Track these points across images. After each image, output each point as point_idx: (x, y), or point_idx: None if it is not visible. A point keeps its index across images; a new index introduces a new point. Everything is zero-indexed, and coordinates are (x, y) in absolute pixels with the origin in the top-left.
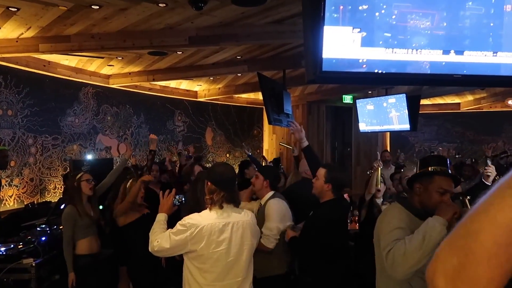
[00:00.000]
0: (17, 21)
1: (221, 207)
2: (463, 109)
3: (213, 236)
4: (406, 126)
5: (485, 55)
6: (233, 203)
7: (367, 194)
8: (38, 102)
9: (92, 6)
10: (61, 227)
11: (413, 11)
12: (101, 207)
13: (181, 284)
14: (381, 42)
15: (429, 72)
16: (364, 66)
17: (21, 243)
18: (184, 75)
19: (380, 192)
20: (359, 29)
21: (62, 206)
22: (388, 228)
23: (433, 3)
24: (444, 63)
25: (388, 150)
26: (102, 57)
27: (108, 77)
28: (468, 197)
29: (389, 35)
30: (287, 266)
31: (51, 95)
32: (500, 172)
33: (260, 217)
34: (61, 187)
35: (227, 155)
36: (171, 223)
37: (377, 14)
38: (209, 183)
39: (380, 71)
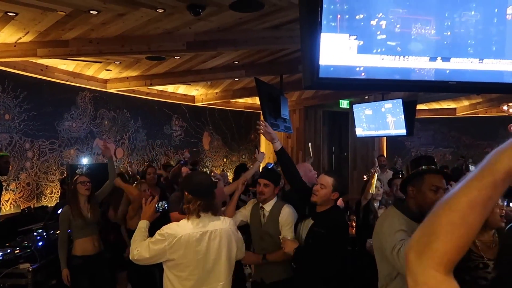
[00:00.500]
0: (15, 26)
1: (198, 216)
2: (459, 114)
3: (191, 246)
4: (403, 131)
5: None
6: (211, 211)
7: (363, 199)
8: (35, 106)
9: (91, 12)
10: (58, 232)
11: (410, 17)
12: None
13: None
14: (377, 49)
15: (425, 79)
16: (362, 73)
17: (17, 248)
18: (182, 80)
19: (379, 195)
20: (355, 36)
21: (60, 211)
22: (391, 230)
23: (429, 9)
24: (440, 70)
25: (385, 154)
26: (100, 62)
27: (105, 81)
28: None
29: (385, 42)
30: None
31: (49, 100)
32: None
33: (270, 222)
34: (57, 192)
35: (224, 160)
36: None
37: (373, 21)
38: (185, 192)
39: (376, 78)
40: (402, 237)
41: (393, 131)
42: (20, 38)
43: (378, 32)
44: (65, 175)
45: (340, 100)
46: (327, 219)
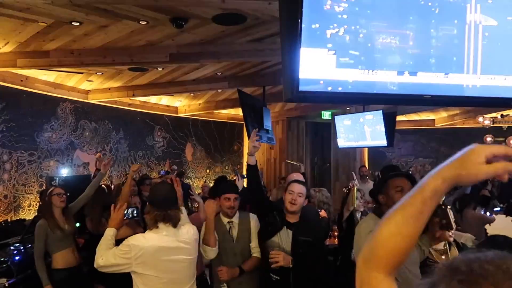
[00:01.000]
0: None
1: (156, 227)
2: (438, 125)
3: (156, 256)
4: (383, 142)
5: (456, 77)
6: (170, 222)
7: (345, 210)
8: (14, 117)
9: (73, 23)
10: None
11: (385, 31)
12: (77, 224)
13: None
14: (354, 64)
15: (399, 92)
16: (339, 87)
17: None
18: (165, 91)
19: (360, 206)
20: (334, 51)
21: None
22: (366, 230)
23: (403, 23)
24: (412, 83)
25: (366, 165)
26: (82, 73)
27: (87, 92)
28: (449, 206)
29: (361, 57)
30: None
31: (28, 110)
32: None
33: (242, 233)
34: (36, 205)
35: (207, 171)
36: None
37: (349, 36)
38: (147, 203)
39: (354, 92)
40: None
41: (374, 142)
42: (0, 48)
43: (353, 48)
44: (44, 187)
45: (322, 112)
46: (308, 227)
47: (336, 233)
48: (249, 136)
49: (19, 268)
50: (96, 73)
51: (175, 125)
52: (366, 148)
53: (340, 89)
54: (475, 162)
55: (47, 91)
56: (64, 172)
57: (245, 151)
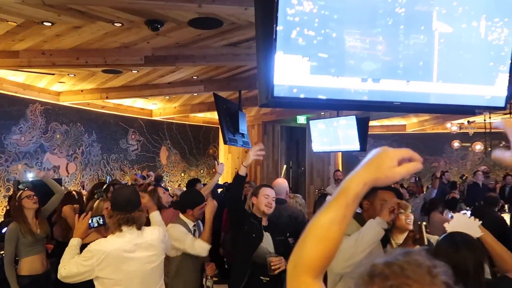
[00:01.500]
0: None
1: (120, 230)
2: (409, 130)
3: (119, 260)
4: (356, 146)
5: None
6: (133, 224)
7: None
8: None
9: (44, 23)
10: (2, 252)
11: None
12: None
13: None
14: (326, 69)
15: (370, 99)
16: (313, 94)
17: None
18: (139, 94)
19: None
20: (308, 58)
21: (4, 230)
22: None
23: (373, 30)
24: (381, 91)
25: (340, 169)
26: (53, 74)
27: (58, 94)
28: (424, 223)
29: (333, 63)
30: None
31: None
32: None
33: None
34: (2, 210)
35: (182, 175)
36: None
37: (325, 43)
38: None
39: (327, 98)
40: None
41: (347, 147)
42: None
43: (326, 55)
44: (11, 192)
45: (298, 116)
46: (277, 225)
47: None
48: (224, 141)
49: None
50: (68, 74)
51: (149, 128)
52: (340, 153)
53: (313, 96)
54: (390, 166)
55: (15, 92)
56: (32, 175)
57: (221, 154)
